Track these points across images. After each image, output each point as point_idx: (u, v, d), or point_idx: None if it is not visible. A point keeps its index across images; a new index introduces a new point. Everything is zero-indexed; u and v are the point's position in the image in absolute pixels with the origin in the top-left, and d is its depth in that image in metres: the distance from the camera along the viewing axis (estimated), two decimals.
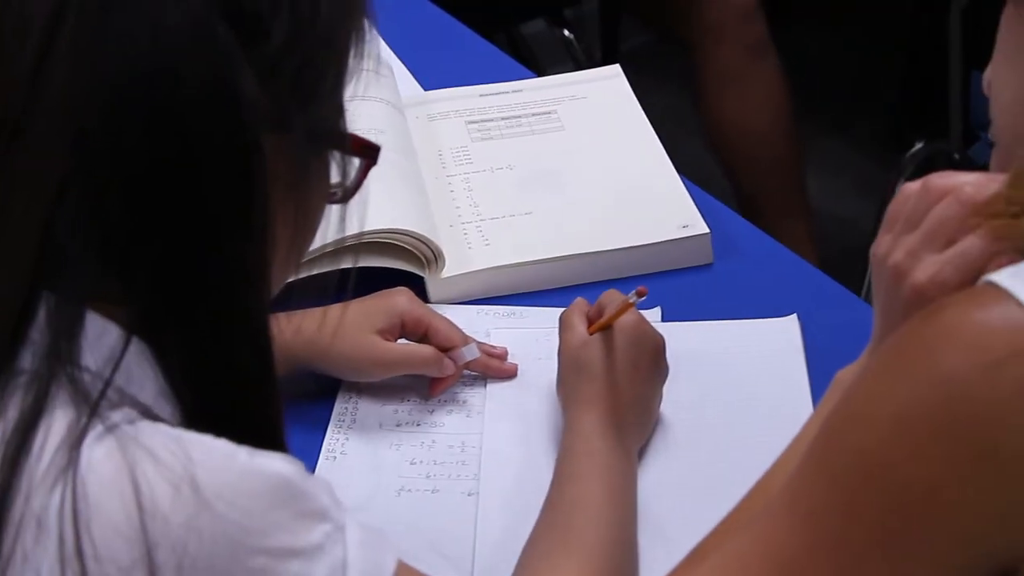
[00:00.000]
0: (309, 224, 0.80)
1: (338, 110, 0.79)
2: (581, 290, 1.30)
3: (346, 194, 0.83)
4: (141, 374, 0.73)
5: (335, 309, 1.16)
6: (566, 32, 2.56)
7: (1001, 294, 0.71)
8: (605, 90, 1.52)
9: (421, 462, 1.14)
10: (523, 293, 1.30)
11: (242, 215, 0.72)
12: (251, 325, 0.75)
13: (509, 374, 1.21)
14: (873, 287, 0.90)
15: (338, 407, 1.19)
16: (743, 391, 1.19)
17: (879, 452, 0.72)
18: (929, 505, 0.71)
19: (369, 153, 0.83)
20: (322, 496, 0.73)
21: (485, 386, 1.21)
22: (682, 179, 1.39)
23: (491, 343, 1.23)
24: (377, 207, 1.26)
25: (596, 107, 1.49)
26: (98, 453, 0.69)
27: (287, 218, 0.76)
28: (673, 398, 1.15)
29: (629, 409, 1.10)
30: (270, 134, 0.72)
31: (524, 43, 2.93)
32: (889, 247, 0.86)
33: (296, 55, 0.73)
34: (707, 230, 1.32)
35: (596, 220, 1.34)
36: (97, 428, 0.69)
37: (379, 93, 1.42)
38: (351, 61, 0.79)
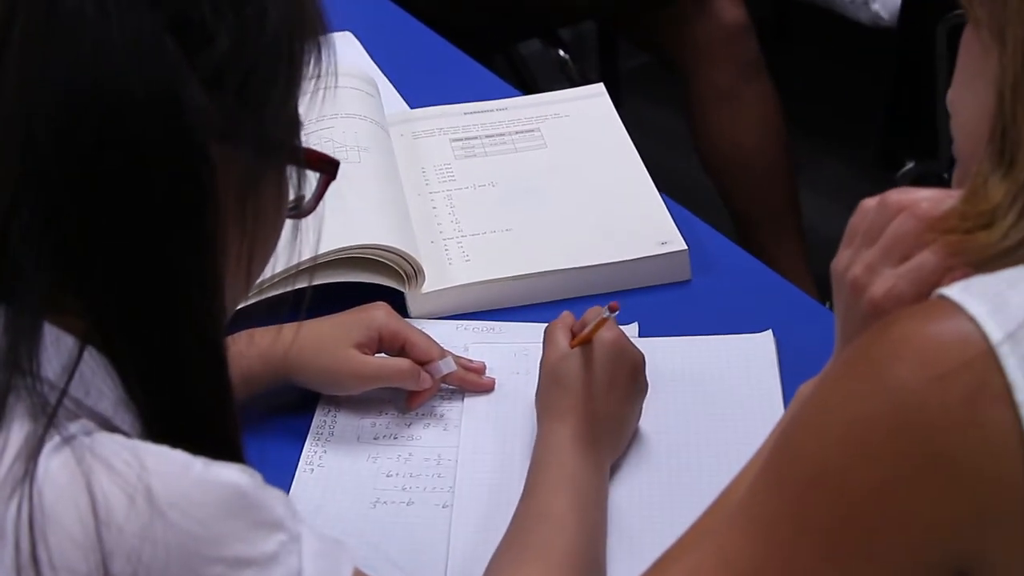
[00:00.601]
0: (264, 236, 0.81)
1: (291, 123, 0.80)
2: (560, 305, 1.31)
3: (304, 209, 0.84)
4: (100, 384, 0.74)
5: (309, 324, 1.18)
6: (561, 52, 2.57)
7: (952, 307, 0.72)
8: (588, 108, 1.54)
9: (397, 474, 1.16)
10: (502, 309, 1.32)
11: (192, 224, 0.73)
12: (204, 335, 0.76)
13: (486, 388, 1.22)
14: (834, 301, 0.91)
15: (317, 420, 1.21)
16: (718, 406, 1.20)
17: (830, 462, 0.73)
18: (879, 515, 0.72)
19: (328, 168, 0.84)
20: (277, 506, 0.74)
21: (462, 400, 1.22)
22: (663, 197, 1.40)
23: (469, 357, 1.24)
24: (358, 223, 1.29)
25: (579, 125, 1.51)
26: (54, 463, 0.70)
27: (240, 229, 0.77)
28: (648, 413, 1.17)
29: (603, 423, 1.11)
30: (219, 143, 0.73)
31: (523, 63, 2.95)
32: (848, 262, 0.88)
33: (241, 62, 0.73)
34: (685, 247, 1.33)
35: (575, 236, 1.35)
36: (54, 439, 0.70)
37: (363, 111, 1.44)
38: (306, 74, 0.80)
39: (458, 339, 1.27)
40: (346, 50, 1.70)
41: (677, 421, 1.19)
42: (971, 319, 0.71)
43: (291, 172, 0.82)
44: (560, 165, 1.45)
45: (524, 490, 1.06)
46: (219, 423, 0.79)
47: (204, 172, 0.73)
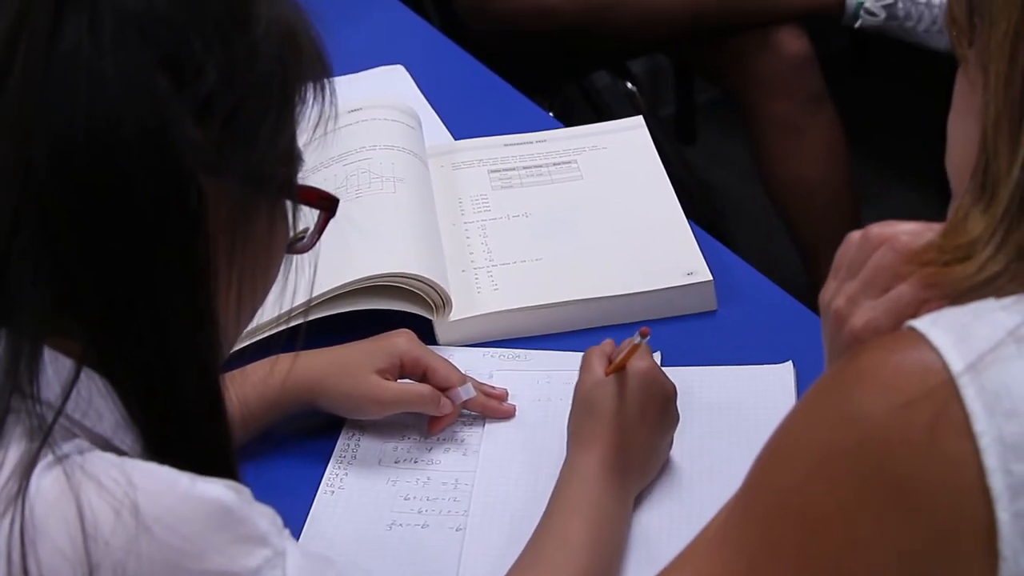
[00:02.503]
0: (255, 268, 0.84)
1: (285, 159, 0.83)
2: (587, 334, 1.34)
3: (302, 246, 0.87)
4: (100, 404, 0.77)
5: (333, 350, 1.21)
6: (629, 85, 2.60)
7: (917, 338, 0.73)
8: (626, 140, 1.56)
9: (415, 498, 1.18)
10: (529, 337, 1.34)
11: (183, 254, 0.77)
12: (197, 362, 0.79)
13: (507, 415, 1.25)
14: (822, 332, 0.93)
15: (341, 443, 1.24)
16: (739, 435, 1.21)
17: (797, 489, 0.75)
18: (844, 542, 0.73)
19: (325, 205, 0.87)
20: (262, 522, 0.77)
21: (483, 426, 1.24)
22: (691, 225, 1.42)
23: (492, 384, 1.27)
24: (389, 252, 1.33)
25: (616, 156, 1.53)
26: (46, 481, 0.73)
27: (230, 260, 0.80)
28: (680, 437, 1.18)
29: (632, 452, 1.12)
30: (209, 176, 0.76)
31: (597, 94, 2.98)
32: (833, 293, 0.89)
33: (230, 96, 0.76)
34: (710, 278, 1.34)
35: (603, 266, 1.37)
36: (47, 458, 0.74)
37: (402, 143, 1.48)
38: (303, 112, 0.83)
39: (484, 366, 1.30)
40: (396, 83, 1.75)
41: (699, 449, 1.20)
42: (934, 349, 0.72)
43: (290, 208, 0.85)
44: (594, 196, 1.47)
45: (544, 513, 1.08)
46: (213, 443, 0.82)
47: (193, 204, 0.76)
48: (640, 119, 1.58)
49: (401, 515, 1.17)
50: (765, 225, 2.62)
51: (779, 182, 2.38)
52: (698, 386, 1.26)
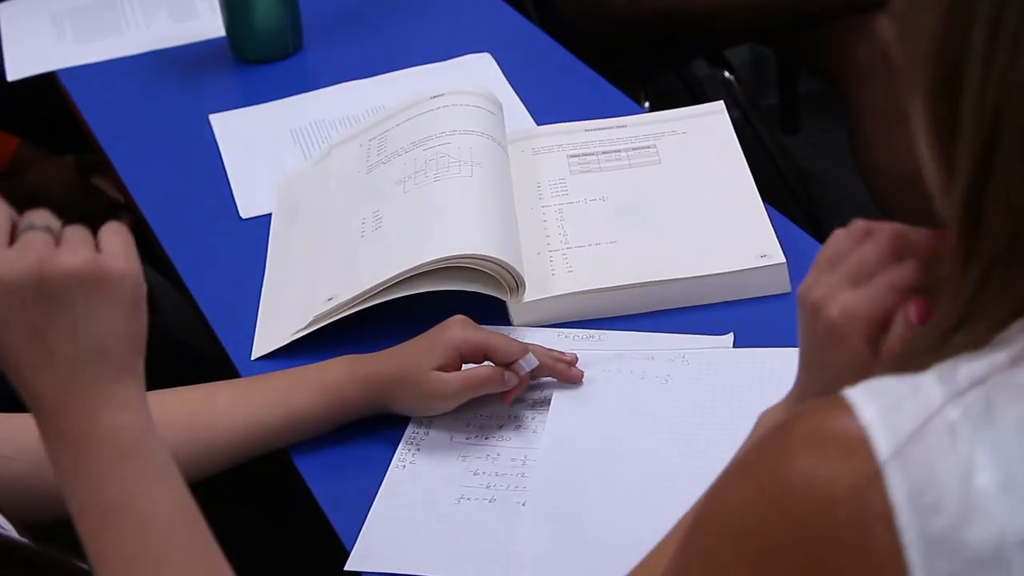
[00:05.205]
0: None
1: None
2: (660, 316, 1.35)
3: None
4: None
5: (392, 354, 1.24)
6: (726, 74, 2.60)
7: (846, 407, 0.70)
8: (707, 125, 1.56)
9: (483, 473, 1.21)
10: (603, 319, 1.35)
11: None
12: None
13: (575, 378, 1.26)
14: (798, 325, 0.92)
15: (410, 430, 1.25)
16: None
17: (718, 551, 0.73)
18: None
19: None
20: None
21: (550, 405, 1.26)
22: (767, 209, 1.42)
23: (561, 350, 1.28)
24: (465, 234, 1.35)
25: (695, 142, 1.54)
26: None
27: None
28: (744, 419, 1.18)
29: None
30: None
31: (697, 82, 2.98)
32: (812, 284, 0.89)
33: None
34: (783, 260, 1.35)
35: (677, 249, 1.38)
36: None
37: (482, 128, 1.50)
38: None
39: (558, 346, 1.31)
40: (483, 71, 1.77)
41: None
42: (858, 419, 0.69)
43: None
44: (671, 180, 1.48)
45: None
46: None
47: None
48: (721, 104, 1.59)
49: (469, 489, 1.19)
50: (865, 215, 2.58)
51: (877, 170, 2.36)
52: (767, 366, 1.27)
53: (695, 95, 2.97)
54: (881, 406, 0.69)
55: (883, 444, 0.67)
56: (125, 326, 0.90)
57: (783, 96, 3.24)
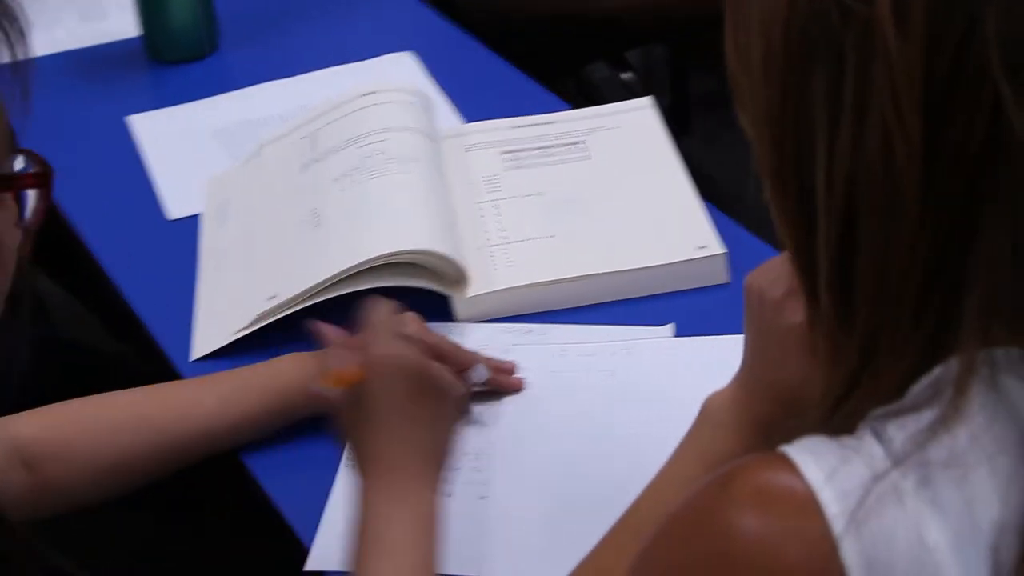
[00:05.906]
0: None
1: None
2: (601, 309, 1.36)
3: (30, 223, 0.87)
4: None
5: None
6: (627, 75, 2.62)
7: (790, 465, 0.69)
8: (635, 120, 1.58)
9: None
10: (544, 312, 1.36)
11: None
12: None
13: (515, 388, 1.27)
14: (744, 311, 0.96)
15: None
16: None
17: None
18: None
19: (39, 182, 0.86)
20: None
21: (500, 400, 1.26)
22: (711, 208, 1.44)
23: (511, 358, 1.29)
24: (406, 230, 1.35)
25: (624, 136, 1.55)
26: None
27: None
28: (688, 408, 1.20)
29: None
30: None
31: (593, 88, 3.00)
32: (758, 272, 0.95)
33: None
34: (723, 250, 1.37)
35: (616, 241, 1.40)
36: None
37: (417, 125, 1.50)
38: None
39: (500, 340, 1.32)
40: (405, 70, 1.77)
41: None
42: (800, 476, 0.68)
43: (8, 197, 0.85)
44: (604, 175, 1.50)
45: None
46: None
47: None
48: (649, 100, 1.61)
49: None
50: (759, 213, 2.63)
51: None
52: (707, 355, 1.28)
53: (593, 101, 2.98)
54: (824, 467, 0.68)
55: (832, 505, 0.67)
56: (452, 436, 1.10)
57: (675, 98, 3.28)
